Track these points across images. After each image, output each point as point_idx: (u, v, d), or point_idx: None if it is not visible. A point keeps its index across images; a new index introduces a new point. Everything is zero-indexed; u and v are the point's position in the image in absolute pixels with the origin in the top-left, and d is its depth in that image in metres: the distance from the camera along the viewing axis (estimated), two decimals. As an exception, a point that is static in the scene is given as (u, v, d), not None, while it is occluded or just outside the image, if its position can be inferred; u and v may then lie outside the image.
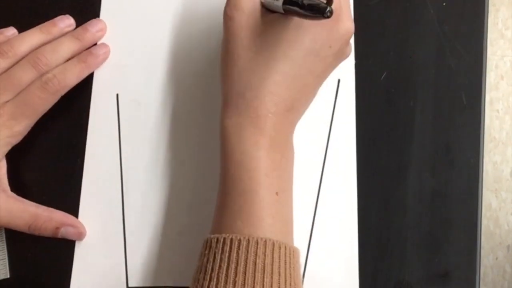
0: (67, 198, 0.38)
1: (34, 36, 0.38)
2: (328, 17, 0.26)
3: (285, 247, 0.29)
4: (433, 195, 0.38)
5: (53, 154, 0.38)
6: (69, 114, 0.39)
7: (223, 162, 0.32)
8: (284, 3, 0.28)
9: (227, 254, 0.28)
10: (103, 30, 0.40)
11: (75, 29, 0.39)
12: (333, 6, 0.30)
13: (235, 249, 0.28)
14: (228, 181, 0.31)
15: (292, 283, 0.29)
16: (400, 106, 0.39)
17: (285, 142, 0.33)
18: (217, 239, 0.29)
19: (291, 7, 0.28)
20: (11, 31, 0.39)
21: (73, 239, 0.37)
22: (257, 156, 0.30)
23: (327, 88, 0.39)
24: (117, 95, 0.39)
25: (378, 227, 0.37)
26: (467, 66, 0.39)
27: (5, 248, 0.37)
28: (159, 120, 0.39)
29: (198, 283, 0.29)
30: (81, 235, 0.37)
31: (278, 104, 0.31)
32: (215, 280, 0.28)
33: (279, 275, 0.28)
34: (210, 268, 0.29)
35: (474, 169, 0.38)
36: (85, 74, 0.38)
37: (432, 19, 0.40)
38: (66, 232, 0.36)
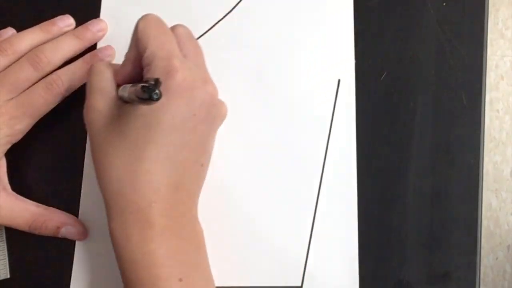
0: (67, 198, 0.38)
1: (33, 35, 0.38)
2: (158, 99, 0.25)
3: None
4: (433, 195, 0.38)
5: (53, 154, 0.38)
6: (70, 114, 0.39)
7: (119, 266, 0.31)
8: (129, 93, 0.28)
9: None
10: (104, 30, 0.40)
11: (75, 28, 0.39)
12: (180, 78, 0.30)
13: None
14: (128, 284, 0.30)
15: None
16: (400, 106, 0.39)
17: (182, 224, 0.31)
18: None
19: (130, 97, 0.28)
20: (10, 31, 0.39)
21: (74, 239, 0.37)
22: (148, 250, 0.29)
23: (327, 88, 0.39)
24: (117, 95, 0.39)
25: (378, 227, 0.37)
26: (467, 66, 0.39)
27: (5, 248, 0.37)
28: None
29: None
30: (81, 235, 0.37)
31: (159, 191, 0.30)
32: None
33: None
34: None
35: (474, 169, 0.38)
36: None
37: (432, 19, 0.40)
38: (67, 231, 0.36)
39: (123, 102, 0.31)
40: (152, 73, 0.30)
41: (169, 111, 0.30)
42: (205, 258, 0.33)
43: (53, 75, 0.36)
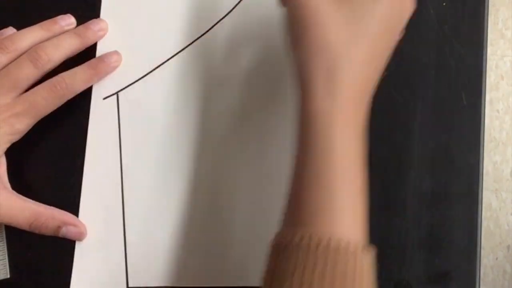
0: (67, 198, 0.38)
1: (35, 33, 0.38)
2: None
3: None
4: (433, 195, 0.38)
5: (53, 154, 0.38)
6: (70, 114, 0.39)
7: (303, 154, 0.29)
8: None
9: (310, 255, 0.26)
10: (105, 30, 0.40)
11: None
12: None
13: (320, 250, 0.26)
14: (309, 176, 0.28)
15: None
16: (400, 106, 0.39)
17: (361, 130, 0.30)
18: (302, 237, 0.27)
19: None
20: (10, 31, 0.39)
21: (74, 239, 0.37)
22: (348, 148, 0.28)
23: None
24: (117, 95, 0.39)
25: (378, 227, 0.37)
26: (467, 66, 0.39)
27: (5, 248, 0.37)
28: (159, 120, 0.39)
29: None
30: (82, 235, 0.37)
31: (362, 84, 0.28)
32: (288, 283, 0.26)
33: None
34: (286, 270, 0.26)
35: (474, 169, 0.38)
36: (94, 81, 0.39)
37: (432, 19, 0.40)
38: (67, 231, 0.36)
39: None
40: None
41: (384, 6, 0.29)
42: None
43: (58, 77, 0.37)
